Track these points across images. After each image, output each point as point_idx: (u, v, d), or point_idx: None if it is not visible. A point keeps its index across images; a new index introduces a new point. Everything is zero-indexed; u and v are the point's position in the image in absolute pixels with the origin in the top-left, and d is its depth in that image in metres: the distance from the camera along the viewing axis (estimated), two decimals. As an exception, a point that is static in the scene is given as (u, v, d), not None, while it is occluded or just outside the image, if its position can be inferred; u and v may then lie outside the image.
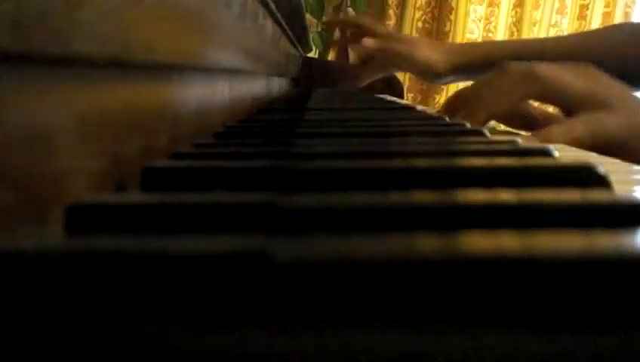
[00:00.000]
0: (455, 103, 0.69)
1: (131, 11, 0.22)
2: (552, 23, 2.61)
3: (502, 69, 0.65)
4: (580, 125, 0.60)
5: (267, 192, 0.19)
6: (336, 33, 1.43)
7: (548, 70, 0.64)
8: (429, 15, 2.57)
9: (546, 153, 0.28)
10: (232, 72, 0.50)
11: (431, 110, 0.85)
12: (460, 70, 1.12)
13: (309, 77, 1.54)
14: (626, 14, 2.62)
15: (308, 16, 1.71)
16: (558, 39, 1.20)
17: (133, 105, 0.25)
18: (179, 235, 0.15)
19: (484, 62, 1.04)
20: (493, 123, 0.68)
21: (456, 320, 0.12)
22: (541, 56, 0.80)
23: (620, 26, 0.71)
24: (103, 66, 0.21)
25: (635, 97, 0.67)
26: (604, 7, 2.61)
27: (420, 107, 0.85)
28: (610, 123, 0.61)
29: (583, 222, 0.17)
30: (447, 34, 2.52)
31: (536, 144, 0.33)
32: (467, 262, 0.12)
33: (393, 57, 1.16)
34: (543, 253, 0.13)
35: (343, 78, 1.36)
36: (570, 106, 0.62)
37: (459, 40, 2.50)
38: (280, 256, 0.12)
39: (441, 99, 2.36)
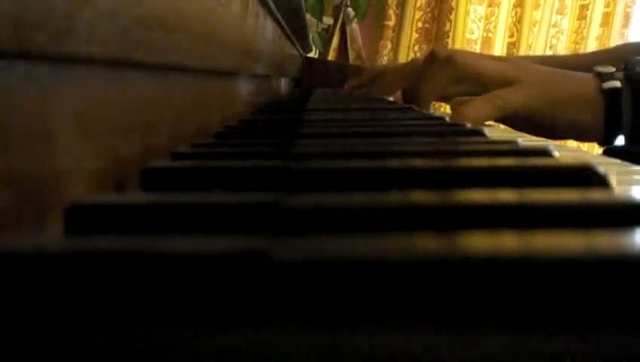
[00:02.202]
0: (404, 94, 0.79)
1: (131, 11, 0.22)
2: (552, 23, 2.61)
3: (430, 57, 0.75)
4: (484, 102, 0.68)
5: (267, 192, 0.19)
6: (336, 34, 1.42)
7: (464, 55, 0.74)
8: (429, 15, 2.57)
9: (546, 153, 0.28)
10: (232, 72, 0.50)
11: (431, 110, 0.85)
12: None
13: (309, 77, 1.54)
14: (626, 14, 2.62)
15: (308, 16, 1.71)
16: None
17: (133, 105, 0.25)
18: (179, 235, 0.15)
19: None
20: (492, 121, 0.72)
21: (456, 321, 0.12)
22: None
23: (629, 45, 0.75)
24: (103, 66, 0.21)
25: (547, 71, 0.74)
26: (604, 7, 2.61)
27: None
28: (512, 96, 0.68)
29: (582, 222, 0.17)
30: (447, 34, 2.52)
31: (535, 144, 0.34)
32: (467, 262, 0.12)
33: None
34: (543, 253, 0.13)
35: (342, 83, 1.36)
36: (486, 86, 0.69)
37: (459, 40, 2.50)
38: (279, 256, 0.12)
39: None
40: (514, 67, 0.72)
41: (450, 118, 0.65)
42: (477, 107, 0.67)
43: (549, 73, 0.74)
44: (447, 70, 0.72)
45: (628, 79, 0.67)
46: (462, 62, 0.71)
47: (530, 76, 0.70)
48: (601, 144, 0.72)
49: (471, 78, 0.72)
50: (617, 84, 0.68)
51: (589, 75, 0.71)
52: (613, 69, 0.70)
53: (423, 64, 0.77)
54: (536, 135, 0.71)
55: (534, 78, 0.70)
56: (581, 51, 2.61)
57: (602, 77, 0.69)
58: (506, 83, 0.69)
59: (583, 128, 0.70)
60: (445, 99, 0.78)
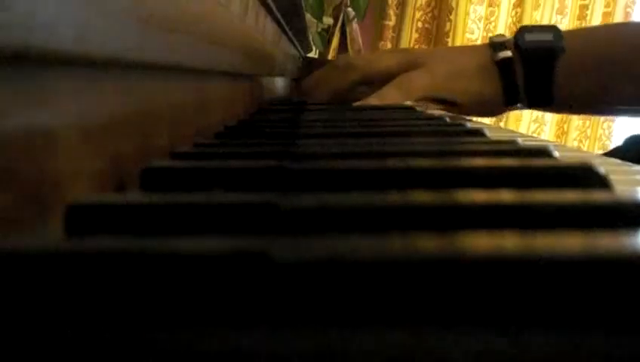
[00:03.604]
0: (305, 90, 0.83)
1: (130, 11, 0.22)
2: (552, 23, 2.61)
3: (331, 64, 0.81)
4: (389, 89, 0.72)
5: (267, 192, 0.19)
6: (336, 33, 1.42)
7: (361, 57, 0.81)
8: (429, 15, 2.57)
9: (546, 153, 0.28)
10: (232, 72, 0.50)
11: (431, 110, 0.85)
12: None
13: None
14: (626, 14, 2.62)
15: (308, 16, 1.71)
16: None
17: (133, 105, 0.25)
18: (179, 235, 0.15)
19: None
20: (491, 121, 0.73)
21: (456, 321, 0.12)
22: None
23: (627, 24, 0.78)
24: (103, 66, 0.21)
25: (444, 49, 0.79)
26: (604, 7, 2.61)
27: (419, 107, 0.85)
28: (416, 79, 0.72)
29: (583, 223, 0.17)
30: (447, 34, 2.52)
31: (535, 144, 0.34)
32: (467, 262, 0.12)
33: None
34: (544, 253, 0.13)
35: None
36: (392, 77, 0.73)
37: (459, 40, 2.50)
38: (279, 256, 0.12)
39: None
40: (411, 53, 0.76)
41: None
42: (383, 96, 0.71)
43: (445, 50, 0.79)
44: (347, 74, 0.76)
45: (518, 47, 0.70)
46: (357, 64, 0.75)
47: (429, 57, 0.74)
48: (505, 106, 0.75)
49: (375, 76, 0.75)
50: (509, 53, 0.70)
51: (484, 46, 0.74)
52: (506, 38, 0.73)
53: (324, 72, 0.82)
54: (449, 111, 0.74)
55: (433, 58, 0.73)
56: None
57: (495, 47, 0.72)
58: (408, 69, 0.72)
59: (485, 99, 0.73)
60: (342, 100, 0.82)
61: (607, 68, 0.71)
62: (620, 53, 0.71)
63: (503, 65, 0.71)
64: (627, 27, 0.74)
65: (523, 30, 0.72)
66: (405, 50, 0.81)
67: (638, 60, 0.69)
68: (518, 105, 0.74)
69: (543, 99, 0.72)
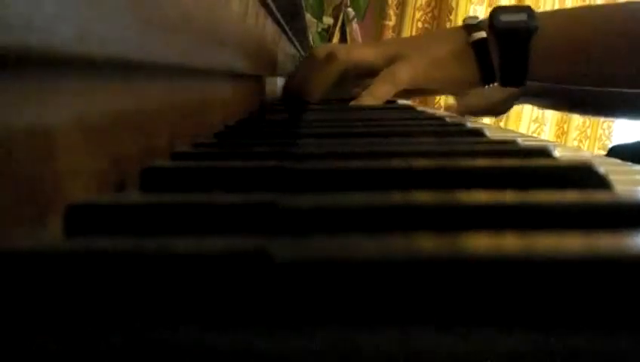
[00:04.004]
0: (288, 89, 0.82)
1: (130, 11, 0.22)
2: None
3: (309, 56, 0.80)
4: (377, 84, 0.73)
5: (267, 192, 0.19)
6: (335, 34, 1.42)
7: (339, 48, 0.78)
8: (429, 15, 2.57)
9: (546, 153, 0.28)
10: (232, 72, 0.50)
11: (431, 110, 0.85)
12: None
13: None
14: (626, 14, 2.61)
15: (308, 16, 1.71)
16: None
17: (134, 105, 0.25)
18: (179, 236, 0.15)
19: None
20: (491, 121, 0.74)
21: (456, 321, 0.12)
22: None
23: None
24: (103, 66, 0.21)
25: (420, 36, 0.79)
26: (604, 7, 2.61)
27: (419, 107, 0.85)
28: (399, 70, 0.73)
29: (583, 223, 0.17)
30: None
31: (535, 144, 0.34)
32: (467, 262, 0.12)
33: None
34: (544, 253, 0.13)
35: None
36: (376, 72, 0.74)
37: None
38: (279, 256, 0.12)
39: (440, 99, 2.36)
40: (390, 46, 0.77)
41: (353, 105, 0.70)
42: (373, 92, 0.73)
43: (422, 39, 0.80)
44: (331, 67, 0.75)
45: (492, 27, 0.72)
46: (341, 56, 0.75)
47: (406, 47, 0.75)
48: (481, 85, 0.77)
49: (359, 69, 0.76)
50: (483, 34, 0.72)
51: (458, 29, 0.76)
52: (479, 19, 0.74)
53: (302, 64, 0.82)
54: (430, 94, 0.76)
55: (410, 47, 0.75)
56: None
57: (469, 29, 0.73)
58: (390, 62, 0.74)
59: (463, 80, 0.75)
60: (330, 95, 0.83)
61: (590, 50, 0.71)
62: (607, 36, 0.71)
63: (478, 47, 0.73)
64: (618, 10, 0.74)
65: (498, 10, 0.73)
66: (384, 42, 0.82)
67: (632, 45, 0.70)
68: (495, 83, 0.75)
69: (517, 79, 0.73)
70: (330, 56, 0.76)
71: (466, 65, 0.73)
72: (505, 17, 0.72)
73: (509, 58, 0.72)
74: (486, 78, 0.74)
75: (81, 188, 0.20)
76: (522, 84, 0.74)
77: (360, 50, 0.77)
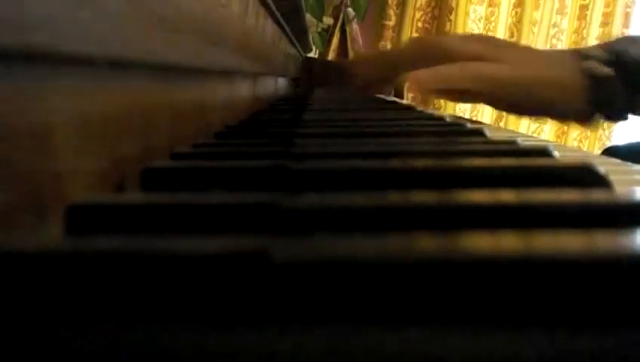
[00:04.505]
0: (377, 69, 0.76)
1: (130, 11, 0.22)
2: (552, 23, 2.61)
3: (415, 44, 0.74)
4: (453, 67, 0.64)
5: (267, 192, 0.19)
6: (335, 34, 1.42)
7: (446, 39, 0.72)
8: (429, 15, 2.57)
9: (546, 153, 0.28)
10: (232, 72, 0.50)
11: (431, 110, 0.85)
12: None
13: (309, 77, 1.53)
14: (626, 14, 2.62)
15: (308, 16, 1.71)
16: None
17: (134, 105, 0.25)
18: (179, 236, 0.15)
19: None
20: (492, 121, 0.71)
21: (456, 321, 0.12)
22: None
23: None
24: (102, 66, 0.21)
25: (527, 49, 0.71)
26: (604, 7, 2.61)
27: (420, 107, 0.85)
28: (488, 69, 0.65)
29: (583, 222, 0.17)
30: (447, 34, 2.52)
31: (535, 144, 0.34)
32: (467, 262, 0.12)
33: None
34: (544, 253, 0.13)
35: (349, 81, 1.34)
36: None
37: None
38: (279, 256, 0.12)
39: (441, 100, 2.36)
40: (493, 45, 0.69)
41: (408, 83, 0.64)
42: (439, 70, 0.64)
43: (528, 51, 0.71)
44: (436, 55, 0.67)
45: (619, 61, 0.64)
46: (449, 47, 0.68)
47: (509, 52, 0.68)
48: (579, 123, 0.69)
49: (450, 59, 0.67)
50: (606, 70, 0.64)
51: (570, 55, 0.67)
52: (600, 50, 0.66)
53: (409, 52, 0.73)
54: (507, 112, 0.69)
55: (513, 54, 0.68)
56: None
57: (584, 56, 0.66)
58: (486, 59, 0.66)
59: (560, 108, 0.67)
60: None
61: None
62: None
63: (595, 80, 0.64)
64: None
65: (625, 41, 0.65)
66: (491, 39, 0.70)
67: None
68: (594, 121, 0.67)
69: (628, 115, 0.66)
70: (434, 45, 0.68)
71: (572, 94, 0.64)
72: (635, 50, 0.63)
73: (632, 94, 0.63)
74: (589, 115, 0.65)
75: (82, 188, 0.20)
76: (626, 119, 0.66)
77: (466, 43, 0.68)
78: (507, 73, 0.65)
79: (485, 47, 0.68)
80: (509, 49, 0.70)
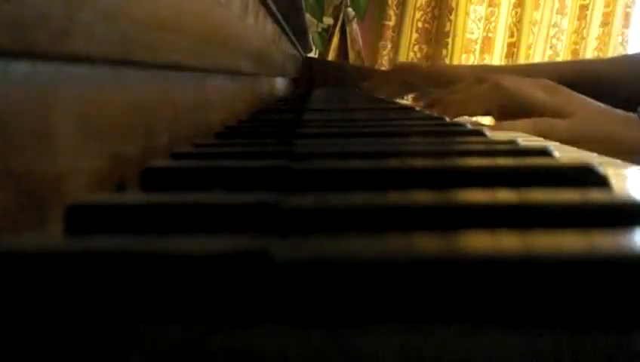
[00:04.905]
0: (432, 102, 0.77)
1: (131, 11, 0.22)
2: (552, 23, 2.61)
3: (476, 80, 0.74)
4: (529, 123, 0.66)
5: (268, 192, 0.19)
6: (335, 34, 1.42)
7: (512, 82, 0.72)
8: (429, 15, 2.57)
9: (546, 153, 0.28)
10: (232, 72, 0.50)
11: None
12: None
13: (309, 77, 1.53)
14: (626, 14, 2.62)
15: (308, 16, 1.71)
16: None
17: (134, 105, 0.25)
18: (179, 235, 0.15)
19: None
20: (491, 121, 0.71)
21: (455, 320, 0.12)
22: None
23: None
24: (103, 66, 0.21)
25: (598, 107, 0.71)
26: (604, 7, 2.61)
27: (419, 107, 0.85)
28: (560, 127, 0.66)
29: (582, 222, 0.17)
30: (447, 34, 2.52)
31: (535, 144, 0.34)
32: (467, 262, 0.12)
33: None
34: (543, 253, 0.13)
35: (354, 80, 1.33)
36: (532, 115, 0.68)
37: (459, 40, 2.50)
38: (279, 256, 0.12)
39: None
40: (566, 99, 0.70)
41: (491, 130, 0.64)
42: (518, 126, 0.65)
43: (601, 111, 0.70)
44: (492, 94, 0.70)
45: None
46: (507, 88, 0.70)
47: (582, 112, 0.68)
48: None
49: (515, 105, 0.70)
50: None
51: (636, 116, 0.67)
52: None
53: (466, 84, 0.76)
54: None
55: (585, 115, 0.68)
56: (581, 51, 2.62)
57: None
58: (555, 115, 0.67)
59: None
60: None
61: None
62: None
63: None
64: None
65: None
66: (557, 89, 0.69)
67: None
68: None
69: None
70: (498, 86, 0.70)
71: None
72: None
73: None
74: None
75: (82, 188, 0.20)
76: None
77: (532, 91, 0.70)
78: (579, 134, 0.65)
79: (559, 99, 0.69)
80: (583, 105, 0.70)
